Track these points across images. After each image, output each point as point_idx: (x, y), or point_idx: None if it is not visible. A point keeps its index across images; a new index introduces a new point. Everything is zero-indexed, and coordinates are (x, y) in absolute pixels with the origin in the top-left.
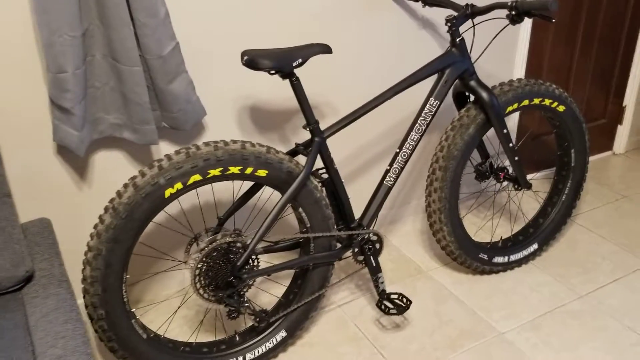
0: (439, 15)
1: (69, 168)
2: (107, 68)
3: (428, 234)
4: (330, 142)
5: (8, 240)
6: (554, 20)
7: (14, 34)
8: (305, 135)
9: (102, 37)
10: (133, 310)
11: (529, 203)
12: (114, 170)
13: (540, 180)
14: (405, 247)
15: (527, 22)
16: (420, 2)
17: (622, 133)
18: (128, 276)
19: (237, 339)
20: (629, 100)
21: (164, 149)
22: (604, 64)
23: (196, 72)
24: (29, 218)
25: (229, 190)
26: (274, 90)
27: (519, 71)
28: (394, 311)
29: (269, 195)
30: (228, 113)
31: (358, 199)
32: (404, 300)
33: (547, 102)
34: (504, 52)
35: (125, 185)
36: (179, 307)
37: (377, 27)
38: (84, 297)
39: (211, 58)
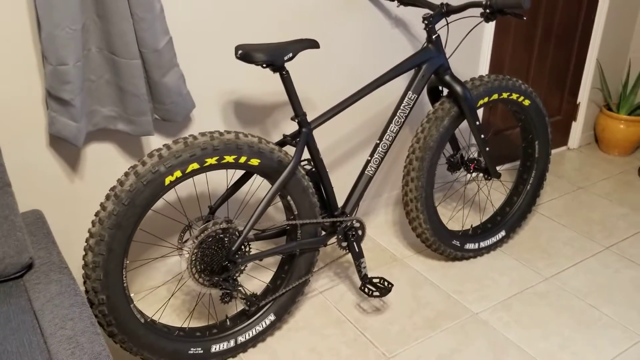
0: (413, 14)
1: (61, 160)
2: (102, 61)
3: (400, 224)
4: (315, 133)
5: (12, 228)
6: (524, 18)
7: (7, 28)
8: (288, 128)
9: (98, 31)
10: (131, 295)
11: (496, 194)
12: (105, 162)
13: (503, 173)
14: (380, 236)
15: (491, 25)
16: (395, 2)
17: (576, 129)
18: (128, 262)
19: (228, 323)
20: (582, 97)
21: (154, 141)
22: (560, 64)
23: (186, 66)
24: (21, 210)
25: (216, 181)
26: (258, 84)
27: (483, 70)
28: (377, 293)
29: (256, 187)
30: (215, 105)
31: (340, 188)
32: (386, 283)
33: (514, 96)
34: (470, 52)
35: (127, 174)
36: (174, 292)
37: (355, 25)
38: (84, 282)
39: (199, 52)
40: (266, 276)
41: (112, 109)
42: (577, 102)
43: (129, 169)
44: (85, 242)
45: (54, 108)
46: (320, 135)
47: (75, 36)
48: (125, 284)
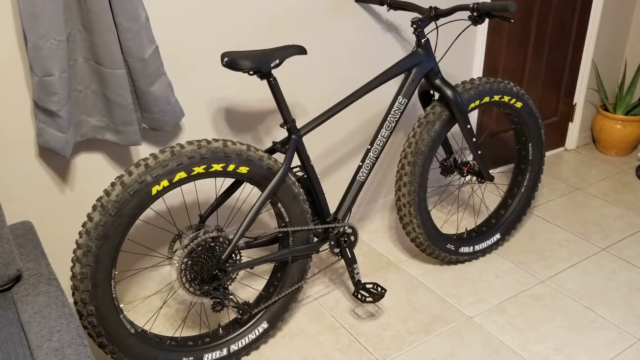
0: (402, 18)
1: (50, 171)
2: (89, 72)
3: (396, 229)
4: (305, 140)
5: None
6: (512, 21)
7: None
8: (279, 135)
9: (84, 41)
10: (121, 305)
11: (490, 197)
12: (94, 172)
13: (499, 175)
14: (375, 242)
15: (484, 27)
16: (385, 6)
17: (573, 130)
18: (116, 272)
19: (221, 332)
20: (578, 98)
21: (143, 150)
22: (555, 65)
23: (173, 74)
24: (10, 221)
25: (206, 191)
26: (247, 91)
27: (476, 72)
28: (370, 299)
29: (247, 195)
30: (204, 114)
31: (332, 194)
32: (379, 288)
33: (506, 98)
34: (463, 55)
35: (113, 184)
36: (165, 301)
37: (345, 30)
38: (73, 294)
39: (187, 61)
40: (260, 284)
41: (99, 119)
42: (574, 103)
43: (115, 179)
44: (73, 253)
45: (42, 119)
46: (313, 142)
47: (60, 47)
48: (114, 295)
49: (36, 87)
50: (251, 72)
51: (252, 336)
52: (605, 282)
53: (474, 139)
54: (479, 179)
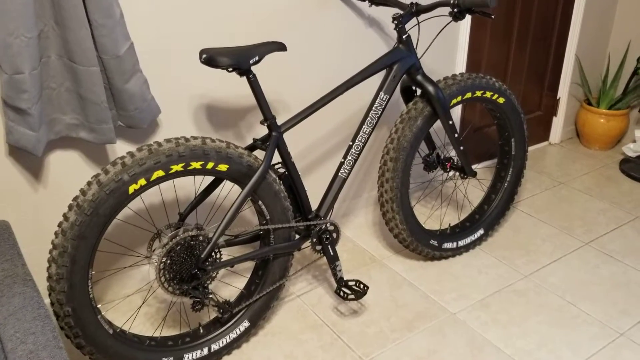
0: (384, 14)
1: (22, 170)
2: (63, 69)
3: (380, 225)
4: (287, 137)
5: None
6: (492, 17)
7: None
8: (261, 131)
9: (57, 38)
10: (99, 306)
11: (474, 192)
12: (69, 171)
13: (482, 170)
14: (359, 238)
15: (467, 22)
16: (367, 2)
17: (557, 124)
18: (93, 272)
19: (201, 331)
20: (562, 93)
21: (120, 147)
22: (538, 60)
23: (149, 71)
24: None
25: (186, 188)
26: (226, 88)
27: (460, 67)
28: (352, 297)
29: (227, 192)
30: (182, 111)
31: (314, 191)
32: (361, 286)
33: (488, 94)
34: (445, 50)
35: (89, 183)
36: (145, 300)
37: (326, 26)
38: (49, 294)
39: (164, 57)
40: (241, 282)
41: (73, 117)
42: (557, 97)
43: (91, 178)
44: (49, 253)
45: (11, 117)
46: (295, 138)
47: (31, 44)
48: (91, 295)
49: (5, 85)
50: (230, 69)
51: (233, 335)
52: (588, 276)
53: (456, 135)
54: (462, 175)
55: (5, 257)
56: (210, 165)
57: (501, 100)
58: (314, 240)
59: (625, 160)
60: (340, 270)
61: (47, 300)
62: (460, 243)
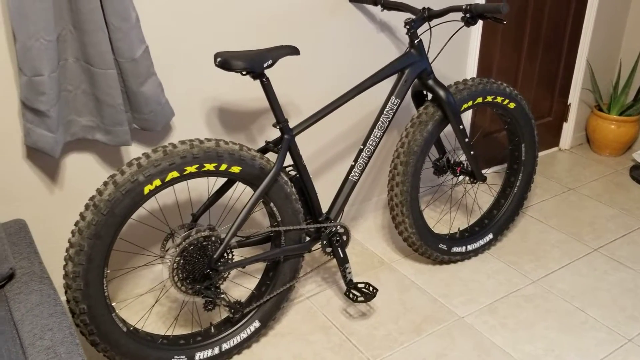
0: (396, 19)
1: (39, 171)
2: (80, 71)
3: (389, 228)
4: (298, 140)
5: None
6: (504, 23)
7: None
8: (272, 134)
9: (74, 41)
10: (113, 304)
11: (483, 197)
12: (84, 172)
13: (492, 175)
14: (368, 241)
15: (478, 27)
16: (379, 7)
17: (568, 130)
18: (108, 271)
19: (213, 330)
20: (572, 98)
21: (134, 150)
22: (549, 66)
23: (163, 74)
24: (4, 219)
25: (199, 189)
26: (238, 91)
27: (471, 73)
28: (362, 299)
29: (239, 194)
30: (195, 114)
31: (325, 194)
32: (371, 288)
33: (499, 99)
34: (457, 55)
35: (106, 183)
36: (157, 299)
37: (339, 30)
38: (65, 292)
39: (177, 60)
40: (252, 283)
41: (89, 119)
42: (568, 103)
43: (107, 179)
44: (66, 251)
45: (30, 119)
46: (306, 141)
47: (50, 47)
48: (106, 293)
49: (24, 87)
50: (244, 73)
51: (243, 335)
52: (596, 282)
53: (466, 140)
54: (472, 179)
55: (22, 255)
56: (223, 167)
57: (512, 105)
58: (324, 242)
59: (635, 166)
60: (350, 273)
61: (63, 298)
62: (469, 247)
